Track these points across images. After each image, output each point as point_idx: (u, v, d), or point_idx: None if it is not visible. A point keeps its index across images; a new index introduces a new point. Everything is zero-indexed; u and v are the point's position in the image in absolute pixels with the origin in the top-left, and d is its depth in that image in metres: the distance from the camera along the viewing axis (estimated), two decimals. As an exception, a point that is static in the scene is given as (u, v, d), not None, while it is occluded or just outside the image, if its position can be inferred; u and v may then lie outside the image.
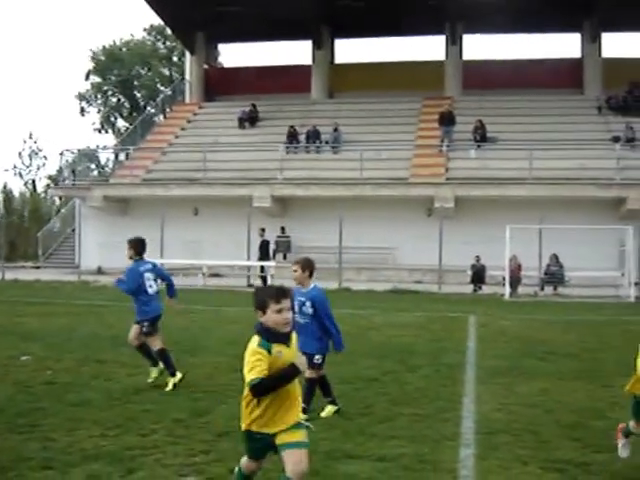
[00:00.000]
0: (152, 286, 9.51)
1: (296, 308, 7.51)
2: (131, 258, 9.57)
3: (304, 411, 7.42)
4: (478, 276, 27.98)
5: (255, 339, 4.57)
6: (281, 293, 4.59)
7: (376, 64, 43.76)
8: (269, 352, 4.49)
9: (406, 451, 6.52)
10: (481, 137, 34.97)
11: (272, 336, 4.55)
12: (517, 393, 9.20)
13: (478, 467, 6.16)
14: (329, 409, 7.95)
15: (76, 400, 8.37)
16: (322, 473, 5.84)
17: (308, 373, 7.62)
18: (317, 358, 7.68)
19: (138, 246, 9.62)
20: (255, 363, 4.43)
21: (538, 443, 6.93)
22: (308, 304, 7.58)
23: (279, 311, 4.52)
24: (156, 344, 9.53)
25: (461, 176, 32.74)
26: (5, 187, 59.98)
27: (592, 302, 23.45)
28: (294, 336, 4.74)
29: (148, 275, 9.47)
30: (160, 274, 9.85)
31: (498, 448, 6.74)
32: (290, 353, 4.61)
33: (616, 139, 33.23)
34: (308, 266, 7.68)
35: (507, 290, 25.26)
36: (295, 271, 7.73)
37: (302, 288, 7.72)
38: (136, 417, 7.65)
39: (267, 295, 4.58)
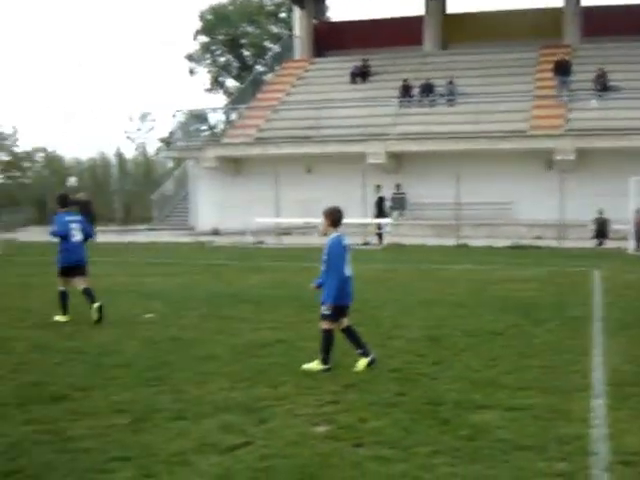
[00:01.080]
0: (75, 235, 10.90)
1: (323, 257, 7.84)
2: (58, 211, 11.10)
3: (364, 354, 7.71)
4: (601, 230, 27.19)
5: None
6: None
7: (490, 13, 42.60)
8: None
9: (536, 401, 6.43)
10: (602, 86, 33.69)
11: None
12: (647, 346, 8.93)
13: (610, 417, 6.02)
14: (362, 361, 7.72)
15: (202, 354, 8.49)
16: (452, 422, 5.82)
17: (322, 324, 7.78)
18: (324, 308, 7.66)
19: (62, 200, 11.18)
20: None
21: (672, 395, 6.72)
22: (325, 251, 7.78)
23: None
24: (82, 284, 10.90)
25: (582, 127, 31.71)
26: (119, 152, 61.69)
27: None
28: None
29: (74, 225, 10.90)
30: (83, 227, 11.12)
31: (629, 399, 6.58)
32: None
33: None
34: (329, 215, 7.92)
35: (631, 244, 24.52)
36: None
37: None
38: (264, 370, 7.71)
39: None
